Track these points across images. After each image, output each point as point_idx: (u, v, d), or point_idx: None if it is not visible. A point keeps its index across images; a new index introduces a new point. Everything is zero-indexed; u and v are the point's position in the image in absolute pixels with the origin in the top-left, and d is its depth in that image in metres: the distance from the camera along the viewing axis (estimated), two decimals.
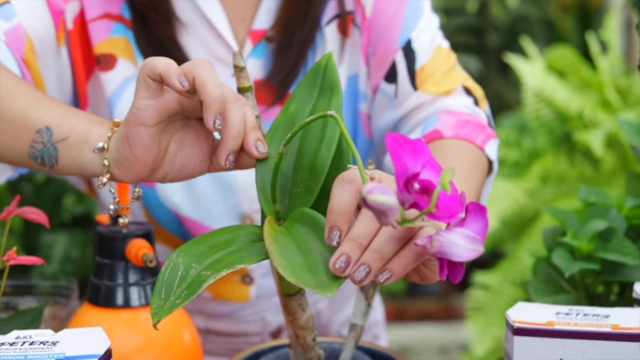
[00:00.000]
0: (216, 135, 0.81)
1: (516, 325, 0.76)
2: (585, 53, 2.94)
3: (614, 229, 0.95)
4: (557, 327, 0.75)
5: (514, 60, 2.76)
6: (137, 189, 0.84)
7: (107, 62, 1.06)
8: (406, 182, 0.63)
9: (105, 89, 1.07)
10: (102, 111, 1.08)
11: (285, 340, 0.93)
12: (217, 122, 0.75)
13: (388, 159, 1.10)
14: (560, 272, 0.95)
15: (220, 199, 1.09)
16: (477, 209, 0.65)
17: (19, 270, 0.91)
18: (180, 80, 0.75)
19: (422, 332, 3.26)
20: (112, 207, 0.85)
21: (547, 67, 2.80)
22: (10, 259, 0.82)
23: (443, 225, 0.65)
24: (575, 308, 0.79)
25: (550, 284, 0.96)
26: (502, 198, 2.57)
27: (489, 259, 2.90)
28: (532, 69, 2.73)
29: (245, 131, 0.77)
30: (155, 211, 1.10)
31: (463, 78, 1.10)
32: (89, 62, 1.07)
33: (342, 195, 0.68)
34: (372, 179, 0.71)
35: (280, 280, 0.78)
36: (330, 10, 1.08)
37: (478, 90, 1.10)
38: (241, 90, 0.80)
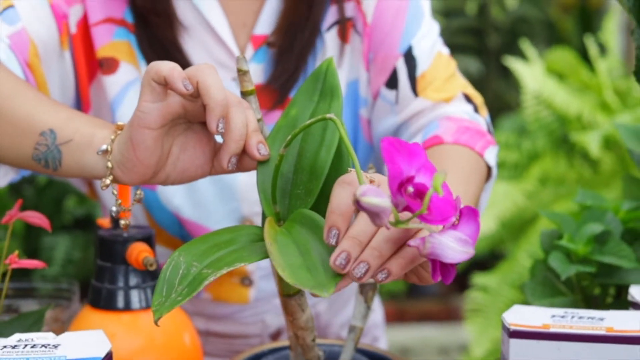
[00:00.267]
0: (218, 138, 0.81)
1: (512, 328, 0.76)
2: (586, 54, 2.94)
3: (610, 232, 0.95)
4: (552, 329, 0.75)
5: (513, 63, 2.76)
6: (138, 192, 0.84)
7: (109, 65, 1.07)
8: (400, 185, 0.64)
9: (107, 92, 1.08)
10: (105, 114, 1.09)
11: (285, 342, 0.94)
12: (220, 125, 0.76)
13: None
14: (557, 274, 0.95)
15: (221, 201, 1.10)
16: (470, 213, 0.66)
17: (21, 273, 0.91)
18: (185, 84, 0.76)
19: (422, 333, 3.26)
20: (114, 209, 0.86)
21: (546, 69, 2.81)
22: (12, 262, 0.82)
23: (438, 228, 0.66)
24: (570, 311, 0.79)
25: (547, 286, 0.96)
26: (501, 200, 2.57)
27: (488, 261, 2.89)
28: (531, 72, 2.73)
29: (247, 134, 0.78)
30: (156, 213, 1.11)
31: (463, 85, 1.11)
32: (91, 65, 1.08)
33: (341, 196, 0.69)
34: (371, 182, 0.72)
35: (280, 280, 0.79)
36: (331, 16, 1.09)
37: (478, 98, 1.11)
38: (244, 94, 0.81)
